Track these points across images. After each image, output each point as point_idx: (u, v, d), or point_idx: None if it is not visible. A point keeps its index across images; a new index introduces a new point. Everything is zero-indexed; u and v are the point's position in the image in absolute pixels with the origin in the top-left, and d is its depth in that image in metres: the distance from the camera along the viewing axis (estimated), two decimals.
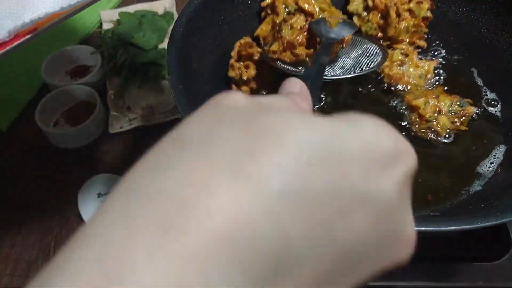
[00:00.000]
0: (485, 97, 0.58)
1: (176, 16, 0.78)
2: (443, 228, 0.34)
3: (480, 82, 0.60)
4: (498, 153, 0.52)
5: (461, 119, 0.54)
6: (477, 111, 0.56)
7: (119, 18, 0.79)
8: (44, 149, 0.68)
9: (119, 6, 0.86)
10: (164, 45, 0.76)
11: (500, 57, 0.59)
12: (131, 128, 0.68)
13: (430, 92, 0.56)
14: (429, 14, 0.61)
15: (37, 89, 0.73)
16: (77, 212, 0.60)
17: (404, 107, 0.57)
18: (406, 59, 0.59)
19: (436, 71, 0.60)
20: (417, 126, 0.55)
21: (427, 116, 0.53)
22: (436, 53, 0.64)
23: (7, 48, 0.36)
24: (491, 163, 0.51)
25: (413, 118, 0.55)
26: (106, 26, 0.81)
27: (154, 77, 0.71)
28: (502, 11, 0.59)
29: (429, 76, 0.59)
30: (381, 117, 0.18)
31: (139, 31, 0.75)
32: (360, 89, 0.60)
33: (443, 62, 0.62)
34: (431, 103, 0.54)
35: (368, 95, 0.59)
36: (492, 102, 0.58)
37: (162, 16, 0.80)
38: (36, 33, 0.37)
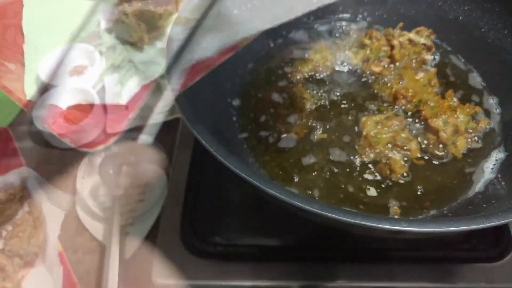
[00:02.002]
0: (486, 98, 0.58)
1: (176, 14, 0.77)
2: (444, 229, 0.34)
3: (481, 82, 0.60)
4: (499, 155, 0.52)
5: (476, 136, 0.53)
6: (490, 124, 0.55)
7: (117, 16, 0.79)
8: (42, 149, 0.67)
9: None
10: (163, 44, 0.75)
11: (501, 58, 0.58)
12: (130, 128, 0.67)
13: (445, 106, 0.54)
14: (428, 41, 0.61)
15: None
16: (76, 212, 0.59)
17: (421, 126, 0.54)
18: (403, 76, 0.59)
19: (437, 75, 0.60)
20: (432, 147, 0.53)
21: (448, 141, 0.52)
22: (436, 53, 0.63)
23: (214, 65, 0.39)
24: (493, 164, 0.51)
25: (431, 142, 0.53)
26: (104, 24, 0.80)
27: (152, 76, 0.71)
28: (504, 11, 0.59)
29: (433, 82, 0.58)
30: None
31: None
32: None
33: (445, 62, 0.62)
34: (450, 122, 0.52)
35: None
36: (492, 104, 0.57)
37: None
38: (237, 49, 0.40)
